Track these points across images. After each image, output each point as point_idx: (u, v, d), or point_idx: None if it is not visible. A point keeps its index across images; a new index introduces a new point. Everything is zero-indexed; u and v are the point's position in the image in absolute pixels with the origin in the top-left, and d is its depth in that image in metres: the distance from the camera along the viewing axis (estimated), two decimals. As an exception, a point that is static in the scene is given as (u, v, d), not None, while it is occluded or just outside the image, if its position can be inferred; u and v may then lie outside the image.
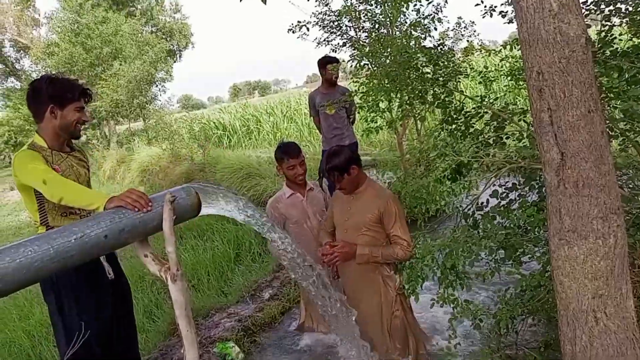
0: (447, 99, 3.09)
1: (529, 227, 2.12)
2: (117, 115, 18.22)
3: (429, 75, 3.15)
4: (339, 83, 5.46)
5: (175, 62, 25.89)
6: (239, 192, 7.63)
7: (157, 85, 18.89)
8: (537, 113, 1.36)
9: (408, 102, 3.42)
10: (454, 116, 2.93)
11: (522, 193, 2.41)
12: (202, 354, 3.21)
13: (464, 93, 3.26)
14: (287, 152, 3.11)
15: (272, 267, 4.69)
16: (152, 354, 3.47)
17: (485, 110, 2.83)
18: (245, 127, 16.10)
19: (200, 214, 2.07)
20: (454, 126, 2.92)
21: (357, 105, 4.73)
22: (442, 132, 2.97)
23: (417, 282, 2.40)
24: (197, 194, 2.01)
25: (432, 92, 3.12)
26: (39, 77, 2.45)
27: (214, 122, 17.16)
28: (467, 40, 4.88)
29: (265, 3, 3.01)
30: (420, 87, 3.11)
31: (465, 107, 3.03)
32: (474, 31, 4.88)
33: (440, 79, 3.09)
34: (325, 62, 5.05)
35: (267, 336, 3.54)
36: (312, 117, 5.71)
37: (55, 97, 2.34)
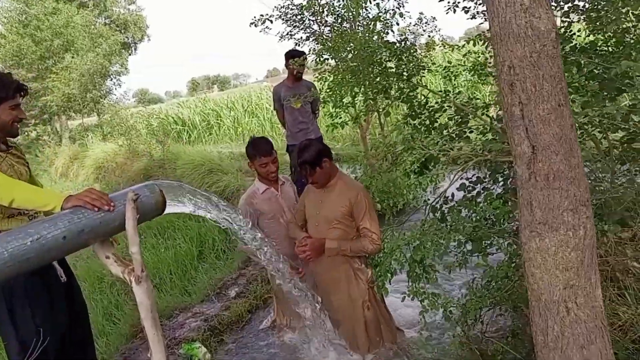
0: (411, 93, 3.10)
1: (495, 219, 2.16)
2: (69, 110, 17.46)
3: (392, 70, 3.16)
4: (305, 77, 5.43)
5: (130, 55, 25.04)
6: (201, 188, 7.46)
7: (111, 79, 18.23)
8: (509, 107, 1.37)
9: (372, 97, 3.41)
10: (418, 111, 2.95)
11: (487, 186, 2.46)
12: (167, 356, 3.12)
13: (428, 88, 3.28)
14: (259, 149, 3.03)
15: (237, 264, 4.61)
16: (114, 358, 3.35)
17: (449, 104, 2.86)
18: (206, 122, 15.81)
19: (165, 213, 2.00)
20: (418, 121, 2.94)
21: (321, 99, 4.73)
22: (407, 127, 2.99)
23: (385, 277, 2.40)
24: (162, 191, 1.94)
25: (396, 86, 3.13)
26: None
27: (172, 117, 16.76)
28: (429, 36, 4.94)
29: None
30: (384, 82, 3.11)
31: (429, 102, 3.05)
32: (435, 27, 4.94)
33: (405, 73, 3.10)
34: (291, 56, 5.00)
35: (234, 335, 3.47)
36: (275, 111, 5.66)
37: None
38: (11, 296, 2.23)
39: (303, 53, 5.01)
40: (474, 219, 2.14)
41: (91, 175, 12.76)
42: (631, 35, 2.38)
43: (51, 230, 1.64)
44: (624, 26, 2.33)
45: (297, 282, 2.63)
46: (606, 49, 2.43)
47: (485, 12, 3.23)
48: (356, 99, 4.43)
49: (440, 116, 2.90)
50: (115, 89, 18.79)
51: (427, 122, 2.88)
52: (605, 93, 2.24)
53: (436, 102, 2.93)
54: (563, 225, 1.34)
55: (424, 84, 3.29)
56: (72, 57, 16.11)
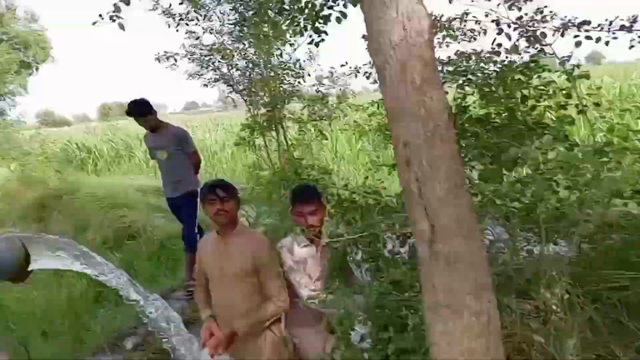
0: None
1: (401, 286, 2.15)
2: (-44, 128, 15.74)
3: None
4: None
5: (30, 74, 23.32)
6: (103, 224, 6.99)
7: (4, 99, 16.76)
8: (407, 183, 1.35)
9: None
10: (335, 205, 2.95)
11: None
12: None
13: (336, 186, 3.31)
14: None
15: (137, 311, 4.31)
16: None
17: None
18: (114, 152, 15.01)
19: (31, 269, 1.72)
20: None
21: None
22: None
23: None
24: (25, 247, 1.67)
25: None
26: None
27: (76, 144, 15.75)
28: (340, 89, 5.11)
29: (123, 29, 2.80)
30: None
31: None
32: (345, 82, 5.12)
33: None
34: (130, 113, 4.54)
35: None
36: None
37: None
38: None
39: (143, 111, 4.50)
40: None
41: (-23, 202, 11.48)
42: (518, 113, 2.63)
43: None
44: (510, 104, 2.57)
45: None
46: (498, 121, 2.65)
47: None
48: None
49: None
50: (10, 109, 17.20)
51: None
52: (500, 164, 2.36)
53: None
54: (467, 310, 1.32)
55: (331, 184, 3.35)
56: (-39, 73, 14.68)
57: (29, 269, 1.69)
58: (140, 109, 4.51)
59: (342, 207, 3.05)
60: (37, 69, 24.05)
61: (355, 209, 3.11)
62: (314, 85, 4.94)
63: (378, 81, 1.47)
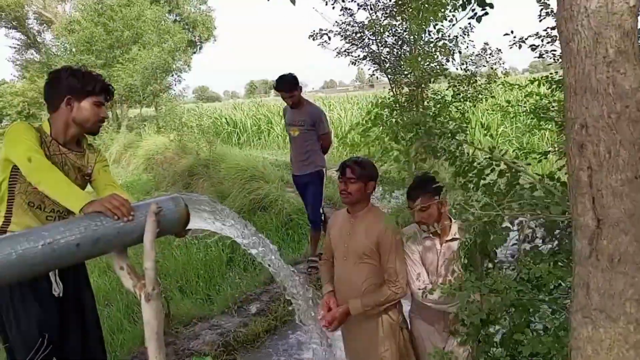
0: (457, 150, 2.88)
1: (541, 283, 1.93)
2: (130, 100, 18.12)
3: (436, 130, 2.93)
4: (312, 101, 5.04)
5: (194, 53, 25.71)
6: (240, 194, 7.45)
7: (173, 75, 18.74)
8: (575, 170, 1.19)
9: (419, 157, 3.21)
10: (466, 169, 2.71)
11: (537, 244, 2.23)
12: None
13: (474, 145, 3.06)
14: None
15: (263, 278, 4.51)
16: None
17: (496, 162, 2.62)
18: (256, 127, 16.03)
19: (188, 228, 1.91)
20: (465, 180, 2.70)
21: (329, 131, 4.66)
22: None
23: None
24: (187, 207, 1.85)
25: (440, 145, 2.90)
26: (59, 68, 2.37)
27: (225, 118, 17.10)
28: (491, 68, 4.71)
29: (294, 4, 2.88)
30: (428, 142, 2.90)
31: (475, 160, 2.80)
32: (500, 59, 4.70)
33: (448, 132, 2.88)
34: (277, 88, 4.70)
35: (247, 356, 3.35)
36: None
37: (74, 88, 2.24)
38: None
39: (291, 87, 4.59)
40: (518, 280, 1.91)
41: (141, 165, 13.09)
42: None
43: (65, 236, 1.57)
44: None
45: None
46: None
47: (554, 52, 3.03)
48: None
49: (488, 174, 2.67)
50: (175, 84, 19.26)
51: (475, 179, 2.64)
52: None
53: (484, 159, 2.69)
54: (624, 317, 1.14)
55: (469, 141, 3.06)
56: (139, 50, 16.71)
57: (188, 227, 1.84)
58: (287, 85, 4.62)
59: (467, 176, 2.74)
60: (200, 47, 26.56)
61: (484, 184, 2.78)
62: (463, 64, 4.61)
63: (561, 54, 1.32)
